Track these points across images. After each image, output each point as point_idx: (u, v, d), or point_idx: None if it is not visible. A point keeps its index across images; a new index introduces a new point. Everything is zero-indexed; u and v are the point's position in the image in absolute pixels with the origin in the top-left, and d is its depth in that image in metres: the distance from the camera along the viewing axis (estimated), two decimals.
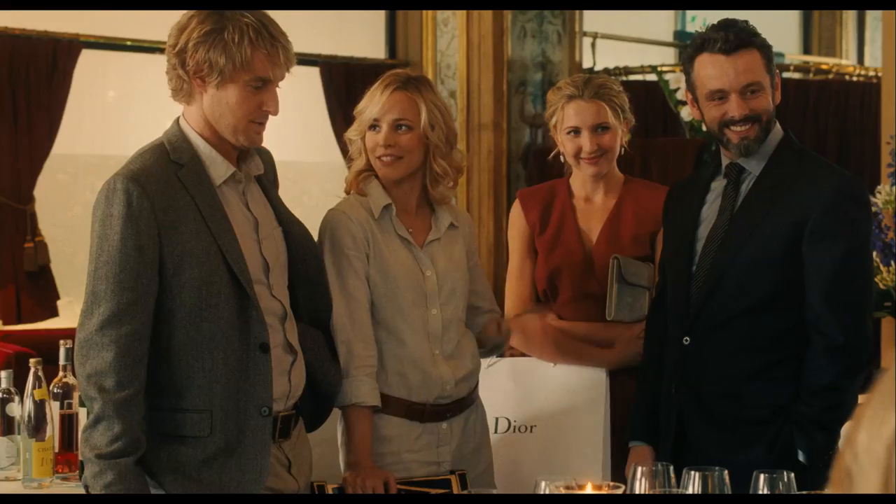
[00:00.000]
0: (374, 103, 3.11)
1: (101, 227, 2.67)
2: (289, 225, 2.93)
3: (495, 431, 3.43)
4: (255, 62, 2.72)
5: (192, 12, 2.77)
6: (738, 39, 3.03)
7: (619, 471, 3.21)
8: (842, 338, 2.93)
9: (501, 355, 3.51)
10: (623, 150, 3.50)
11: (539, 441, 3.43)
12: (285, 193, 3.08)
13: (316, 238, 3.10)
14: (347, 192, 3.19)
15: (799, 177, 3.02)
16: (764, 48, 3.06)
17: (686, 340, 3.11)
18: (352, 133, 3.18)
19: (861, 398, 0.96)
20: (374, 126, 3.11)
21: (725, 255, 3.05)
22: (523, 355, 3.54)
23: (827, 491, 1.07)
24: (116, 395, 2.61)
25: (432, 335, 3.13)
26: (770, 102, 3.06)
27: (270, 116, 2.81)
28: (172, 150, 2.76)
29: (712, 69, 3.04)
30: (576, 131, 3.41)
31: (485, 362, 3.48)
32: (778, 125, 3.10)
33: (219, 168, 2.79)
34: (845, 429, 1.09)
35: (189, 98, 2.78)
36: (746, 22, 3.08)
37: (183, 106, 2.83)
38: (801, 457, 2.93)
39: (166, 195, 2.68)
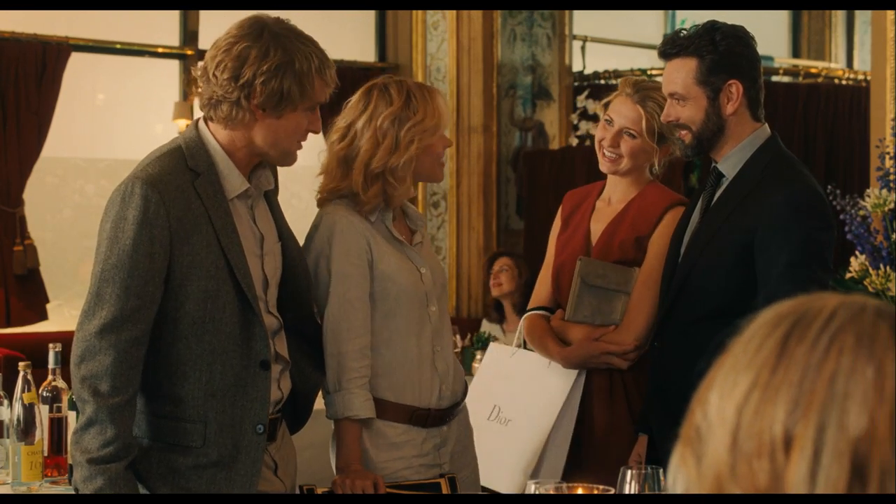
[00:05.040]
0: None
1: (112, 228, 2.62)
2: (286, 241, 2.90)
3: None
4: (317, 89, 2.74)
5: (237, 37, 2.67)
6: (674, 46, 3.05)
7: (580, 468, 3.25)
8: None
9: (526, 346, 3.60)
10: (652, 170, 3.49)
11: (495, 428, 3.52)
12: None
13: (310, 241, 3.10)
14: (364, 196, 3.08)
15: (760, 184, 2.99)
16: (708, 55, 3.01)
17: (656, 344, 3.13)
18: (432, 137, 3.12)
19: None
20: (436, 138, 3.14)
21: (688, 260, 3.06)
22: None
23: (677, 450, 1.08)
24: (111, 401, 2.59)
25: (434, 332, 3.14)
26: (699, 112, 3.03)
27: None
28: (190, 156, 2.71)
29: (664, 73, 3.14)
30: (610, 122, 3.45)
31: (510, 350, 3.64)
32: (766, 128, 3.09)
33: (234, 182, 2.75)
34: (699, 390, 1.10)
35: (238, 125, 2.72)
36: (713, 26, 3.04)
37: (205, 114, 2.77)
38: None
39: (182, 204, 2.64)
